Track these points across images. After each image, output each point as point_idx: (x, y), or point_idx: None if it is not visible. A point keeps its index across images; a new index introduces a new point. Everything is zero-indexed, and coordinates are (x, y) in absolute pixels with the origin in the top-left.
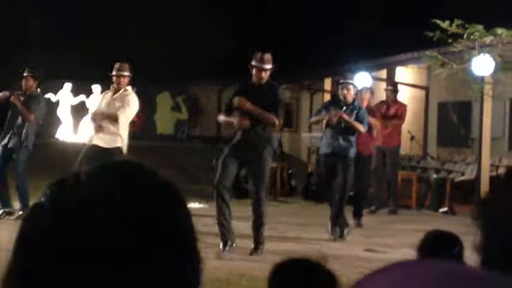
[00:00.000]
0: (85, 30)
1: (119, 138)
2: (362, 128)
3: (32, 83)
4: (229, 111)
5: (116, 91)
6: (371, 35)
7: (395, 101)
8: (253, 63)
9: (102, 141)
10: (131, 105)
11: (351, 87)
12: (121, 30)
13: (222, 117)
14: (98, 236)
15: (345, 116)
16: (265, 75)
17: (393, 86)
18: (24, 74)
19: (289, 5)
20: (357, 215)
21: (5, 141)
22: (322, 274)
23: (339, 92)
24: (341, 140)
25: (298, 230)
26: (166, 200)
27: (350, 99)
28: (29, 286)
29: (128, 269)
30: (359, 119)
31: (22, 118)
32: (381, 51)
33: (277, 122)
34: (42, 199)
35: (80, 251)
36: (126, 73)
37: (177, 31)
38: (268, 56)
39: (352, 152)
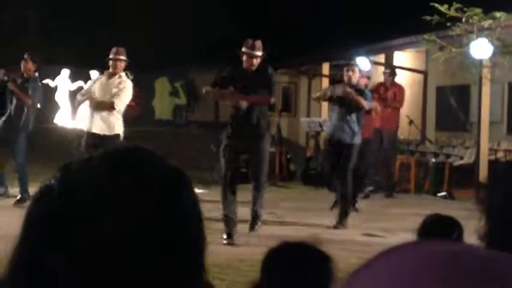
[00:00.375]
0: (83, 16)
1: (117, 124)
2: (365, 104)
3: (30, 66)
4: (217, 86)
5: (111, 75)
6: (369, 18)
7: (393, 84)
8: (243, 49)
9: (100, 129)
10: (126, 91)
11: (356, 68)
12: (119, 16)
13: (208, 89)
14: (106, 219)
15: (349, 89)
16: (255, 62)
17: (391, 69)
18: (24, 57)
19: None
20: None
21: (3, 125)
22: (317, 257)
23: (344, 74)
24: (346, 128)
25: (298, 215)
26: (174, 185)
27: (354, 80)
28: (35, 270)
29: (135, 252)
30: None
31: (20, 103)
32: (379, 35)
33: (272, 100)
34: (52, 181)
35: (88, 233)
36: (123, 57)
37: (175, 16)
38: (259, 43)
39: (357, 140)
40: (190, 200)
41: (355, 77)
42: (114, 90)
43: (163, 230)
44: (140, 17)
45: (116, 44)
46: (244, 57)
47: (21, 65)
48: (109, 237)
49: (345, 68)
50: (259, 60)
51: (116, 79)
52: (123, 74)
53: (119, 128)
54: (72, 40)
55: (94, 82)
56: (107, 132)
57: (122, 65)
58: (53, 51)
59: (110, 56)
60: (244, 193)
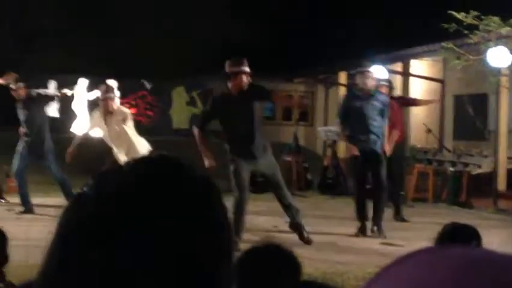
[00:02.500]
0: (100, 25)
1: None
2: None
3: (22, 92)
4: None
5: (107, 114)
6: (386, 27)
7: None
8: (233, 69)
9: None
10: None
11: (370, 74)
12: (137, 26)
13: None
14: (137, 227)
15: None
16: (245, 79)
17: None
18: (13, 87)
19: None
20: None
21: (28, 146)
22: (284, 257)
23: (358, 81)
24: (372, 136)
25: (315, 224)
26: (204, 192)
27: (369, 86)
28: (68, 275)
29: (165, 261)
30: (383, 108)
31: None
32: (396, 44)
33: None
34: (85, 189)
35: (120, 240)
36: (112, 95)
37: (192, 26)
38: (244, 59)
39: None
40: (220, 209)
41: (370, 83)
42: (119, 118)
43: (193, 239)
44: (158, 27)
45: (133, 54)
46: (236, 77)
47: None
48: (140, 245)
49: (358, 75)
50: (247, 77)
51: (119, 114)
52: (116, 107)
53: (140, 147)
54: (90, 49)
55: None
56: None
57: (114, 101)
58: (71, 61)
59: (100, 96)
60: (259, 202)
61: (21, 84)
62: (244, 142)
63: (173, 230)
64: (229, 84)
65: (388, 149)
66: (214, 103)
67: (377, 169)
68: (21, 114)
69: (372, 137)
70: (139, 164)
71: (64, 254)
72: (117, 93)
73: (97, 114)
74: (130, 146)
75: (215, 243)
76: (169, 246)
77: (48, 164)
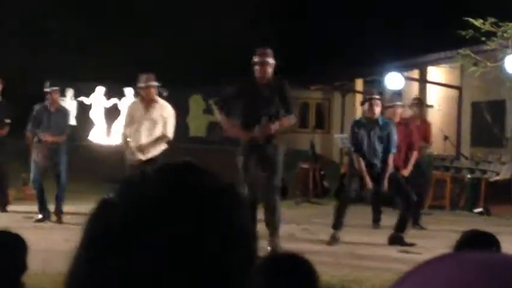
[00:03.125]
0: (117, 33)
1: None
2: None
3: (56, 96)
4: (224, 109)
5: (148, 103)
6: (403, 34)
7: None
8: (255, 59)
9: (148, 155)
10: (172, 118)
11: (377, 101)
12: (153, 33)
13: (221, 118)
14: (162, 231)
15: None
16: (269, 70)
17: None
18: (48, 90)
19: (321, 5)
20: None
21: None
22: (301, 266)
23: (365, 108)
24: (377, 162)
25: (331, 232)
26: (228, 200)
27: (377, 114)
28: (95, 281)
29: (190, 264)
30: (389, 138)
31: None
32: (413, 51)
33: (293, 119)
34: (111, 194)
35: (145, 244)
36: (154, 83)
37: (209, 33)
38: (269, 50)
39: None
40: (244, 217)
41: (378, 111)
42: (160, 120)
43: (216, 244)
44: (176, 35)
45: (150, 61)
46: (257, 67)
47: (47, 98)
48: (165, 251)
49: (367, 103)
50: (271, 68)
51: (157, 106)
52: (159, 99)
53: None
54: (107, 57)
55: (131, 114)
56: (154, 154)
57: (154, 91)
58: (88, 69)
59: (141, 84)
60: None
61: (55, 88)
62: (255, 148)
63: (197, 237)
64: (255, 74)
65: (406, 172)
66: (238, 87)
67: (397, 190)
68: (46, 122)
69: (378, 163)
70: (164, 170)
71: (89, 260)
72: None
73: (135, 103)
74: (154, 147)
75: (238, 250)
76: (193, 253)
77: (59, 172)
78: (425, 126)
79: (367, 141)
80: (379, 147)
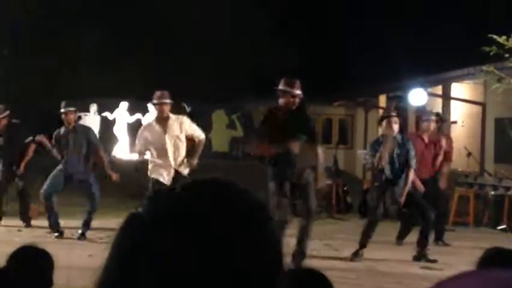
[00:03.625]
0: (141, 49)
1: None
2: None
3: (73, 116)
4: (262, 139)
5: (163, 120)
6: (426, 50)
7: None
8: (281, 87)
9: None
10: (193, 125)
11: (395, 119)
12: (176, 48)
13: (256, 148)
14: (190, 247)
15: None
16: (294, 101)
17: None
18: (63, 110)
19: (344, 21)
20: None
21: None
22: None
23: (384, 127)
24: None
25: (354, 247)
26: (257, 218)
27: (394, 132)
28: None
29: (215, 280)
30: (408, 155)
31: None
32: (437, 67)
33: (320, 153)
34: (140, 209)
35: (174, 260)
36: (168, 100)
37: (231, 48)
38: (298, 82)
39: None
40: (271, 231)
41: (396, 128)
42: (181, 132)
43: (244, 261)
44: (198, 50)
45: (174, 77)
46: (283, 97)
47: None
48: (193, 264)
49: (386, 120)
50: (297, 100)
51: (173, 121)
52: (172, 115)
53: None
54: (130, 73)
55: (142, 138)
56: (184, 174)
57: (168, 109)
58: (112, 84)
59: (155, 101)
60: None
61: (70, 109)
62: (283, 161)
63: (226, 252)
64: (279, 101)
65: (444, 185)
66: (265, 116)
67: (415, 207)
68: (71, 139)
69: (398, 180)
70: (192, 186)
71: (118, 274)
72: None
73: (149, 125)
74: (182, 161)
75: (267, 266)
76: (220, 267)
77: (89, 188)
78: (447, 142)
79: (387, 159)
80: (398, 165)
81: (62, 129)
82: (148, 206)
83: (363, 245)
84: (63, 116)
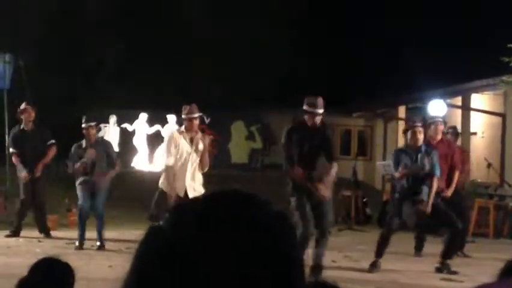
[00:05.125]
0: (159, 60)
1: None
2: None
3: (94, 131)
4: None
5: (191, 134)
6: (446, 61)
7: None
8: (305, 108)
9: (194, 190)
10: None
11: (420, 130)
12: (195, 61)
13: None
14: (214, 260)
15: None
16: (318, 120)
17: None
18: (84, 126)
19: (364, 32)
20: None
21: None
22: None
23: (408, 138)
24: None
25: (373, 259)
26: (279, 229)
27: (420, 142)
28: None
29: None
30: (432, 164)
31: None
32: (456, 78)
33: (334, 171)
34: (161, 222)
35: (194, 272)
36: (197, 115)
37: (250, 60)
38: (321, 100)
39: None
40: (293, 245)
41: (421, 138)
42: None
43: (265, 274)
44: (217, 61)
45: (193, 88)
46: (307, 116)
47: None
48: (216, 278)
49: (411, 131)
50: (320, 118)
51: (199, 138)
52: (199, 132)
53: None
54: (150, 84)
55: (174, 144)
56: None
57: (197, 122)
58: (131, 95)
59: (184, 116)
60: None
61: (91, 124)
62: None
63: (248, 263)
64: (305, 120)
65: (450, 192)
66: (291, 131)
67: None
68: (89, 153)
69: (422, 190)
70: (213, 199)
71: (140, 286)
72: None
73: (180, 132)
74: (198, 176)
75: (286, 275)
76: (243, 277)
77: (98, 201)
78: (462, 155)
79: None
80: (425, 175)
81: (84, 143)
82: (169, 219)
83: (379, 255)
84: (84, 131)
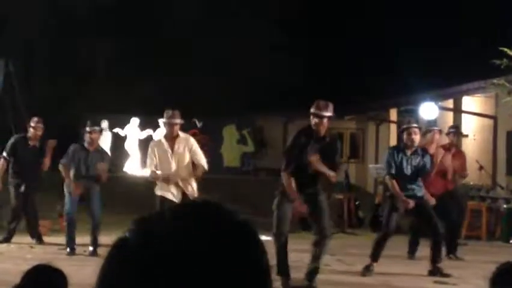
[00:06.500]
0: (150, 65)
1: (194, 184)
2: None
3: (98, 136)
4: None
5: (172, 139)
6: (437, 64)
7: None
8: (312, 110)
9: (187, 192)
10: (199, 148)
11: (416, 130)
12: (186, 65)
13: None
14: (179, 271)
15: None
16: (326, 123)
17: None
18: (88, 129)
19: (356, 36)
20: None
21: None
22: None
23: (404, 138)
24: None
25: (366, 262)
26: (242, 240)
27: (416, 142)
28: None
29: None
30: (424, 164)
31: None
32: (447, 81)
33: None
34: (127, 234)
35: (161, 284)
36: (178, 121)
37: (243, 65)
38: (330, 105)
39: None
40: (258, 253)
41: (417, 139)
42: (187, 153)
43: (232, 282)
44: (207, 66)
45: (184, 92)
46: (315, 119)
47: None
48: (180, 286)
49: (406, 132)
50: (328, 121)
51: (180, 140)
52: (181, 133)
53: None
54: (142, 88)
55: (153, 154)
56: (191, 193)
57: (178, 128)
58: (122, 100)
59: (165, 120)
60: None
61: (96, 129)
62: (306, 180)
63: (212, 274)
64: (312, 123)
65: (432, 198)
66: (299, 135)
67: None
68: (83, 160)
69: (413, 190)
70: (179, 209)
71: None
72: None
73: (158, 142)
74: (190, 181)
75: (254, 284)
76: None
77: (92, 205)
78: (461, 155)
79: (405, 168)
80: (415, 175)
81: (80, 146)
82: (134, 230)
83: (374, 258)
84: (88, 134)
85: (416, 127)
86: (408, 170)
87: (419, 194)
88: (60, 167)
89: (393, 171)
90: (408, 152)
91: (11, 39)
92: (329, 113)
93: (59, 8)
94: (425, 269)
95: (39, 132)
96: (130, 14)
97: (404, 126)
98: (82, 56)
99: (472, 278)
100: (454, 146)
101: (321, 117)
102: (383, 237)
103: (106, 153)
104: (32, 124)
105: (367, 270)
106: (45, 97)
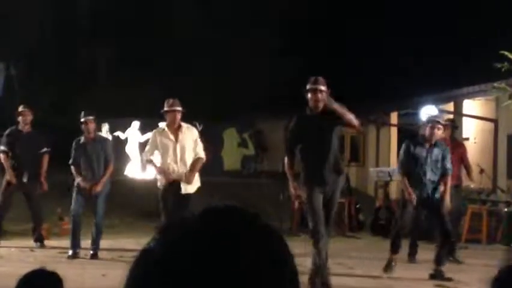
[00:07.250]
0: (151, 68)
1: (197, 177)
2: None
3: (93, 125)
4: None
5: (174, 129)
6: (438, 67)
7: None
8: (308, 86)
9: (184, 188)
10: (199, 139)
11: (439, 126)
12: (187, 67)
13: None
14: (206, 281)
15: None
16: (321, 97)
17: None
18: (83, 120)
19: (357, 40)
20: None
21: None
22: None
23: (426, 130)
24: (429, 183)
25: (367, 265)
26: (271, 245)
27: (437, 137)
28: None
29: None
30: (444, 161)
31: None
32: (448, 84)
33: (357, 123)
34: (152, 244)
35: None
36: (179, 108)
37: (243, 66)
38: (321, 78)
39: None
40: (286, 256)
41: (439, 134)
42: (191, 144)
43: None
44: (208, 69)
45: (185, 95)
46: (310, 95)
47: (84, 129)
48: None
49: (429, 125)
50: (324, 95)
51: (184, 131)
52: (183, 123)
53: (197, 182)
54: (142, 92)
55: (155, 142)
56: (190, 191)
57: (179, 116)
58: (123, 103)
59: (166, 108)
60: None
61: (90, 118)
62: (318, 164)
63: (243, 279)
64: (308, 102)
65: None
66: (296, 121)
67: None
68: (89, 149)
69: (429, 184)
70: (203, 217)
71: None
72: None
73: (163, 131)
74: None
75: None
76: None
77: (97, 207)
78: (460, 148)
79: (423, 162)
80: (435, 170)
81: (82, 138)
82: (159, 240)
83: (394, 251)
84: (83, 125)
85: (439, 122)
86: (430, 165)
87: (437, 195)
88: (72, 169)
89: (405, 168)
90: (427, 145)
91: (12, 42)
92: (323, 87)
93: (60, 11)
94: (425, 272)
95: (29, 117)
96: (130, 16)
97: (429, 118)
98: (82, 59)
99: (472, 281)
100: (448, 139)
101: (316, 90)
102: (400, 229)
103: (106, 139)
104: (20, 110)
105: (389, 267)
106: (46, 100)
